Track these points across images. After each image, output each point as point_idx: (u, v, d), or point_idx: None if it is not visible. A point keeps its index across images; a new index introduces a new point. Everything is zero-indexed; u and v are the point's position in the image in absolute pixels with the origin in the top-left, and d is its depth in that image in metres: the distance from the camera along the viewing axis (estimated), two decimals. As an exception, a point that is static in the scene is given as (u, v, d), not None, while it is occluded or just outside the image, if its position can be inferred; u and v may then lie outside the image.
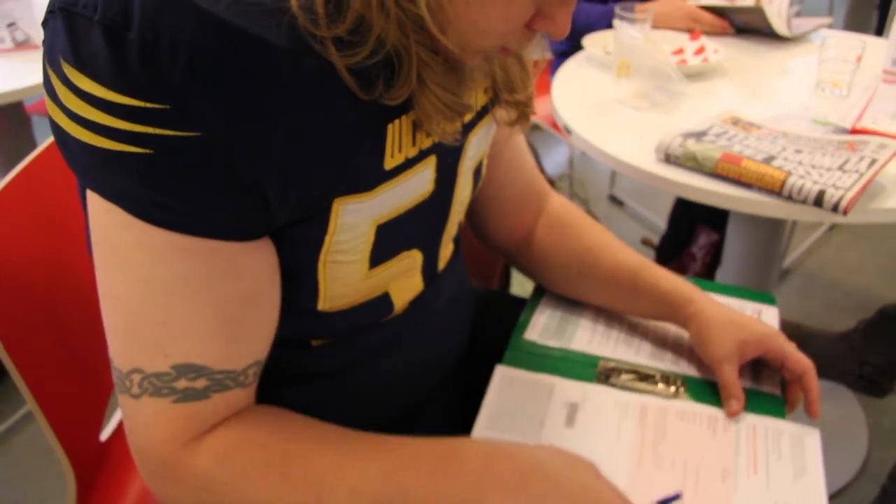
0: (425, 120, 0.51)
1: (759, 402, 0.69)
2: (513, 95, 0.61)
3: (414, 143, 0.54)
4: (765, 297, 0.85)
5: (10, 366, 0.70)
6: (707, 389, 0.71)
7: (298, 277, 0.54)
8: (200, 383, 0.49)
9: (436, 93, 0.50)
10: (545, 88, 1.66)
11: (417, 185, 0.56)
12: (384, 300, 0.60)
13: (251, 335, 0.52)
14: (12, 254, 0.74)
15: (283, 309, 0.55)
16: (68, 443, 0.77)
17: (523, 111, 0.63)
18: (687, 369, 0.74)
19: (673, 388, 0.71)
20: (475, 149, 0.63)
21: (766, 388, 0.72)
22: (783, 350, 0.70)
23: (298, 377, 0.62)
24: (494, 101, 0.62)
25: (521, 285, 1.33)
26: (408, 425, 0.69)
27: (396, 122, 0.51)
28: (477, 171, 0.66)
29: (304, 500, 0.50)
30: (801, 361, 0.69)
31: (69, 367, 0.79)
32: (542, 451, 0.51)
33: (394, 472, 0.50)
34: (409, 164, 0.54)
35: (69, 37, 0.42)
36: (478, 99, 0.61)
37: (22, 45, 1.54)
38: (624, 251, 0.77)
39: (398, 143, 0.52)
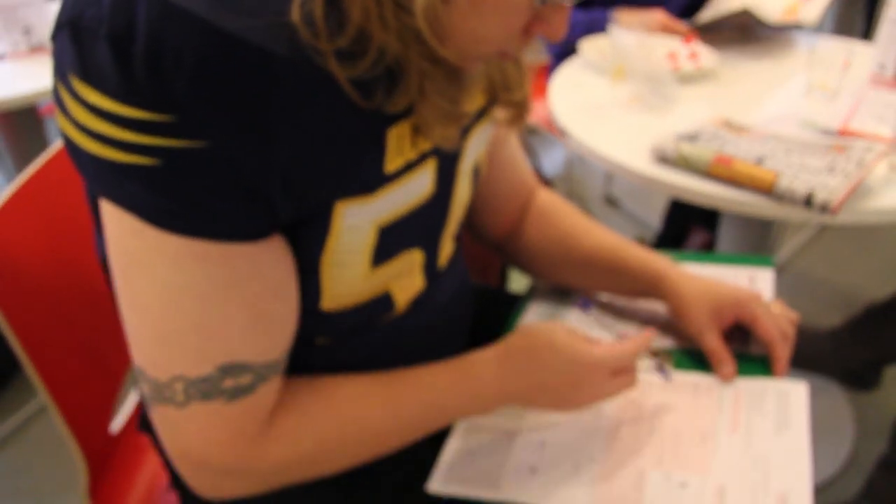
0: (425, 127, 0.51)
1: (748, 365, 0.69)
2: (510, 95, 0.61)
3: (414, 146, 0.54)
4: (762, 260, 0.85)
5: (24, 359, 0.70)
6: (694, 359, 0.71)
7: (301, 278, 0.54)
8: (246, 379, 0.49)
9: (436, 102, 0.50)
10: (543, 91, 1.66)
11: (417, 186, 0.56)
12: (386, 299, 0.60)
13: (283, 326, 0.52)
14: (26, 252, 0.74)
15: None
16: (80, 434, 0.77)
17: (520, 111, 0.63)
18: (673, 343, 0.74)
19: (658, 361, 0.71)
20: (473, 150, 0.63)
21: (755, 349, 0.71)
22: (754, 315, 0.69)
23: (301, 375, 0.62)
24: (492, 102, 0.62)
25: (518, 282, 1.33)
26: None
27: (397, 126, 0.51)
28: (476, 171, 0.66)
29: (366, 446, 0.57)
30: (768, 330, 0.68)
31: (81, 362, 0.79)
32: (540, 336, 0.60)
33: (429, 400, 0.58)
34: (409, 166, 0.54)
35: (76, 51, 0.42)
36: (475, 101, 0.61)
37: (36, 49, 1.54)
38: (602, 233, 0.78)
39: (398, 146, 0.52)
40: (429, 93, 0.49)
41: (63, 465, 1.47)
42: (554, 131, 1.84)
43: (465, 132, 0.60)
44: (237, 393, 0.49)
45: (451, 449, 0.63)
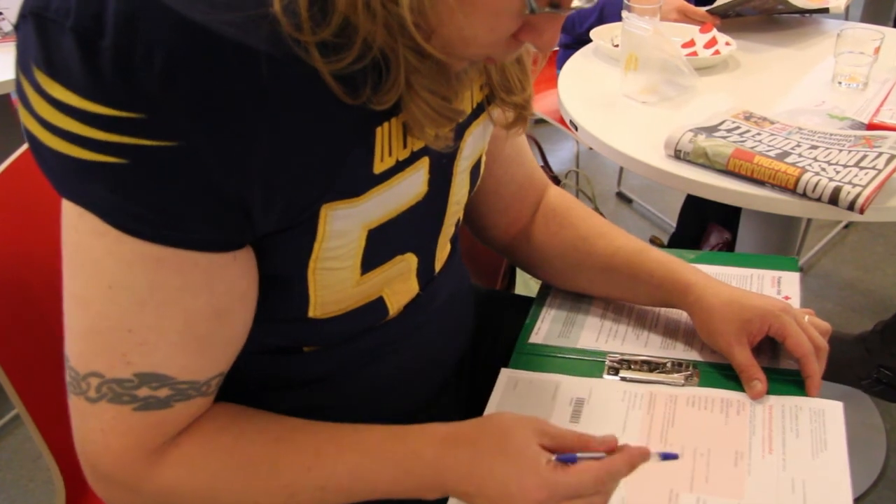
0: (415, 126, 0.51)
1: (778, 381, 0.69)
2: (510, 97, 0.61)
3: (405, 146, 0.54)
4: (786, 261, 0.85)
5: (-3, 368, 0.70)
6: (722, 373, 0.71)
7: (288, 285, 0.54)
8: (163, 392, 0.50)
9: (425, 98, 0.49)
10: (551, 82, 1.66)
11: (410, 187, 0.56)
12: (378, 305, 0.60)
13: (218, 349, 0.52)
14: (0, 251, 0.74)
15: (272, 317, 0.55)
16: (57, 448, 0.77)
17: (521, 114, 0.62)
18: (699, 356, 0.73)
19: (685, 375, 0.71)
20: (471, 148, 0.63)
21: (785, 364, 0.71)
22: (784, 329, 0.68)
23: (291, 384, 0.62)
24: (490, 98, 0.61)
25: (525, 285, 1.32)
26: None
27: (385, 124, 0.51)
28: (474, 170, 0.66)
29: (269, 498, 0.53)
30: (800, 345, 0.67)
31: (58, 371, 0.79)
32: (484, 434, 0.55)
33: (358, 468, 0.54)
34: (400, 167, 0.54)
35: (41, 43, 0.42)
36: (473, 97, 0.60)
37: (8, 36, 1.54)
38: (620, 237, 0.77)
39: (388, 146, 0.52)
40: (417, 88, 0.49)
41: (40, 480, 1.47)
42: (563, 124, 1.84)
43: (462, 130, 0.60)
44: (150, 404, 0.50)
45: None
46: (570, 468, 0.53)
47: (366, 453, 0.54)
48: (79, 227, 0.47)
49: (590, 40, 1.45)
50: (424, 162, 0.56)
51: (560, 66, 1.52)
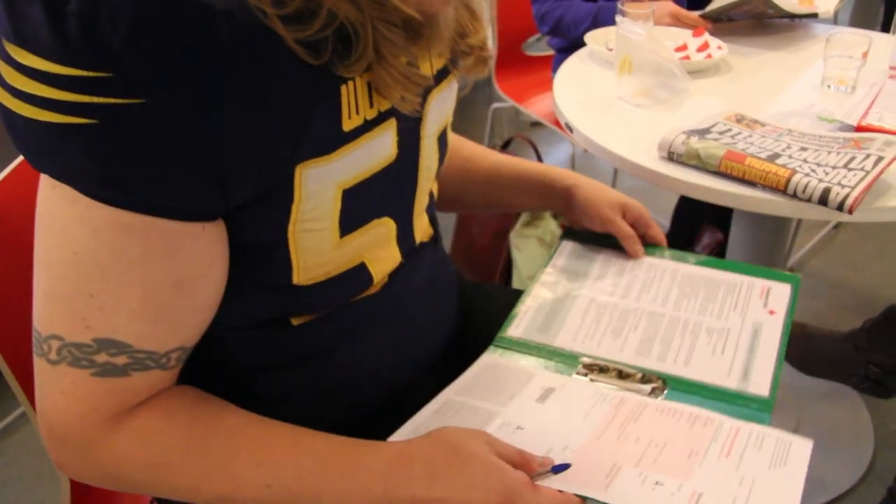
0: (384, 89, 0.52)
1: (745, 405, 0.67)
2: (465, 41, 0.63)
3: (372, 105, 0.54)
4: (787, 277, 0.85)
5: (2, 366, 0.70)
6: (690, 391, 0.69)
7: (270, 251, 0.54)
8: (121, 360, 0.50)
9: (395, 65, 0.51)
10: (547, 85, 1.66)
11: (379, 148, 0.56)
12: (361, 271, 0.61)
13: (178, 320, 0.52)
14: (2, 253, 0.74)
15: (257, 285, 0.56)
16: (62, 445, 0.76)
17: (479, 55, 0.64)
18: (671, 368, 0.72)
19: (652, 387, 0.70)
20: (436, 112, 0.64)
21: (752, 389, 0.69)
22: (644, 217, 0.87)
23: (282, 362, 0.63)
24: (453, 62, 0.63)
25: (522, 283, 1.33)
26: (397, 414, 0.69)
27: (350, 83, 0.52)
28: (442, 137, 0.67)
29: (220, 490, 0.53)
30: (660, 232, 0.87)
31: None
32: (436, 448, 0.55)
33: (307, 472, 0.54)
34: (368, 126, 0.54)
35: (9, 16, 0.43)
36: (433, 64, 0.61)
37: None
38: (501, 155, 0.87)
39: (354, 104, 0.53)
40: (386, 56, 0.50)
41: (46, 477, 1.47)
42: (559, 126, 1.84)
43: (425, 95, 0.61)
44: (107, 370, 0.50)
45: (425, 415, 0.64)
46: (540, 490, 0.54)
47: (315, 457, 0.54)
48: (51, 196, 0.48)
49: (584, 44, 1.45)
50: (392, 123, 0.57)
51: (555, 70, 1.52)
